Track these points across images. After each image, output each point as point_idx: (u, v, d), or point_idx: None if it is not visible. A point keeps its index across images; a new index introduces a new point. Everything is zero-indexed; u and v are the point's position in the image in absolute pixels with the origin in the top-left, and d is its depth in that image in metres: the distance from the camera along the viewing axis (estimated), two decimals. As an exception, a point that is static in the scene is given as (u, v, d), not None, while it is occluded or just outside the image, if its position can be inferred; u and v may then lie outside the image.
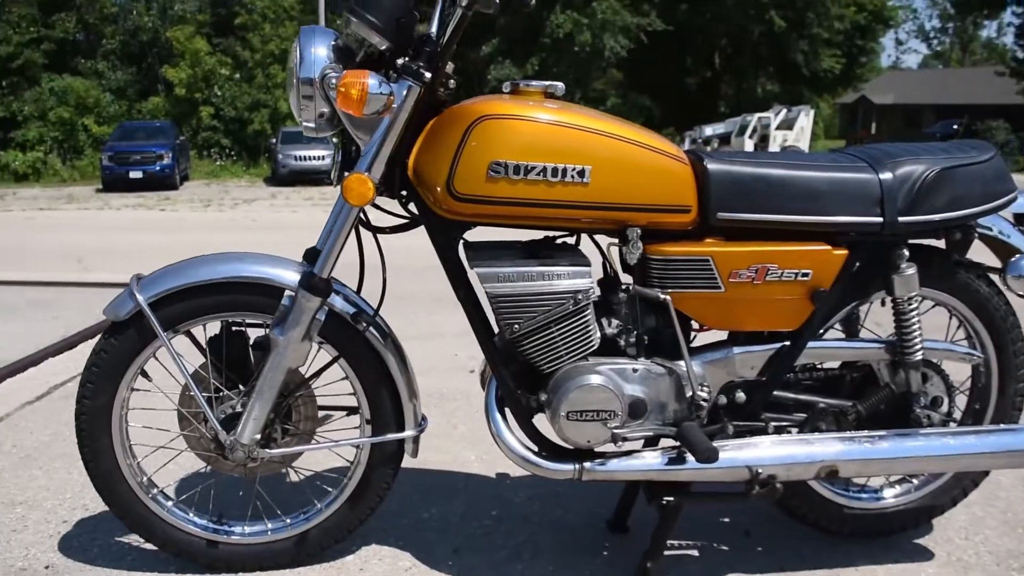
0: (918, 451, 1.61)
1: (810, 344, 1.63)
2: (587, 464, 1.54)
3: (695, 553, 1.79)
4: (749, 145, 19.51)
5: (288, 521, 1.72)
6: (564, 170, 1.43)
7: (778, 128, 19.53)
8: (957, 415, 1.79)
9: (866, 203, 1.55)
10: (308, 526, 1.70)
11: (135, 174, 15.10)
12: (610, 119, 1.52)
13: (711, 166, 1.52)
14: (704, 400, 1.55)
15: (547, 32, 21.35)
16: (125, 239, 7.76)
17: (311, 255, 1.60)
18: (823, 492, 1.75)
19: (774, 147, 19.47)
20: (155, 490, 1.69)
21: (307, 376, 1.68)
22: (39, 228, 9.16)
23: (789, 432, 1.65)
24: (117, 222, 9.94)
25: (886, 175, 1.56)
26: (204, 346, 1.65)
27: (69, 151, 17.46)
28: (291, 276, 1.54)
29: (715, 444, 1.54)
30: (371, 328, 1.59)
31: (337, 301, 1.57)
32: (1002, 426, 1.70)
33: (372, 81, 1.37)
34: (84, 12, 19.23)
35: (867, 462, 1.60)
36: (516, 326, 1.50)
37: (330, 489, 1.72)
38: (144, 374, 1.62)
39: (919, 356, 1.64)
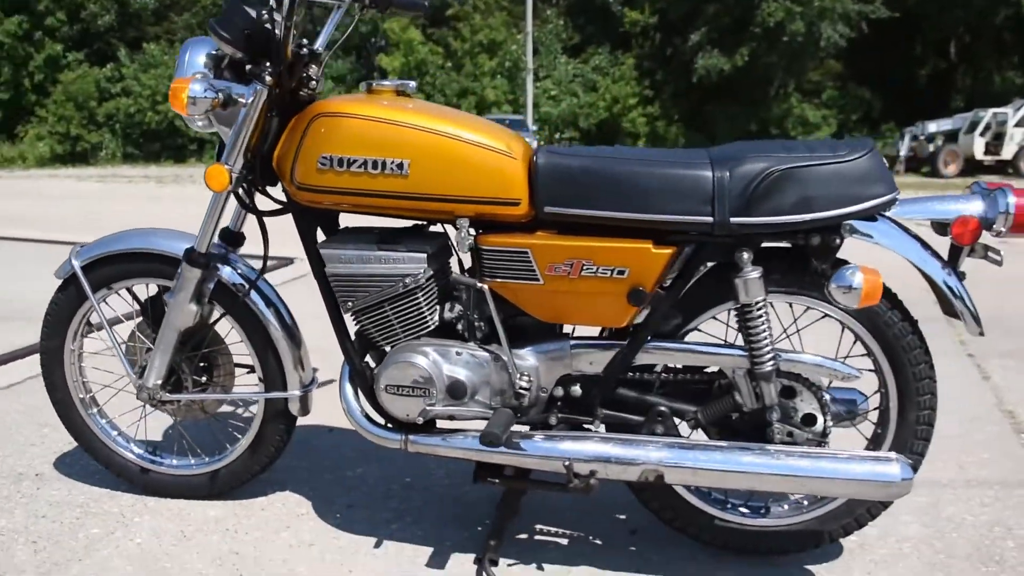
0: (754, 467, 1.54)
1: (655, 344, 1.62)
2: (411, 436, 1.66)
3: (563, 541, 1.84)
4: (980, 144, 17.61)
5: (205, 459, 1.98)
6: (384, 163, 1.55)
7: (1017, 125, 17.46)
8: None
9: (696, 202, 1.51)
10: (218, 466, 1.95)
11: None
12: (442, 116, 1.61)
13: (540, 160, 1.57)
14: (524, 389, 1.60)
15: (757, 21, 20.49)
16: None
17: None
18: (692, 500, 1.72)
19: (1011, 146, 17.47)
20: (103, 420, 2.01)
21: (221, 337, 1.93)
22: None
23: (623, 431, 1.65)
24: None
25: (722, 173, 1.51)
26: (143, 305, 1.94)
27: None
28: (181, 250, 1.78)
29: (538, 434, 1.59)
30: (254, 295, 1.79)
31: (225, 271, 1.80)
32: (867, 452, 1.57)
33: (195, 86, 1.59)
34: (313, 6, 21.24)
35: (696, 471, 1.56)
36: (350, 303, 1.65)
37: (238, 436, 1.95)
38: (89, 324, 1.94)
39: (769, 367, 1.57)
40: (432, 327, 1.65)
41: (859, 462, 1.53)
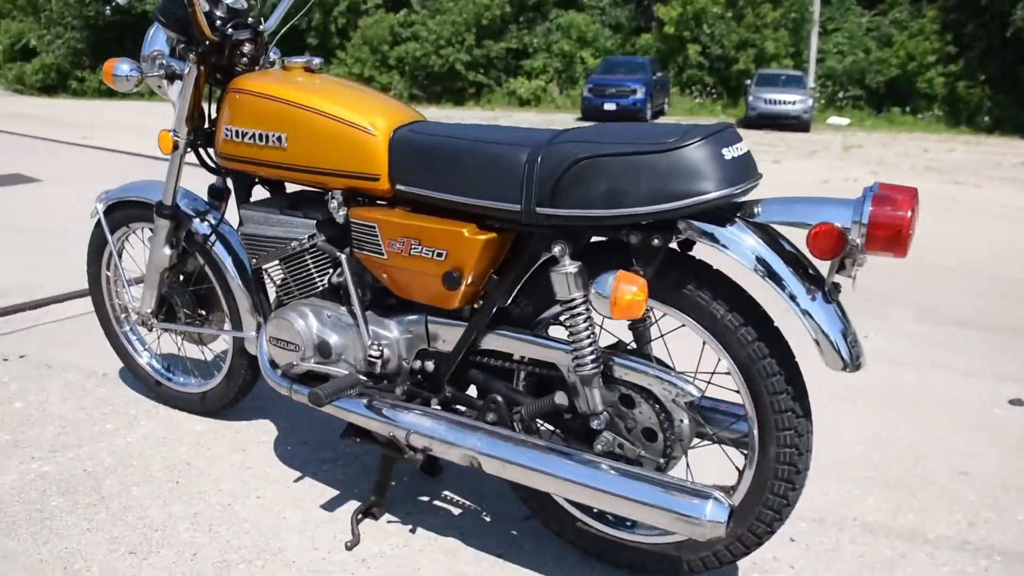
0: (559, 471, 1.49)
1: (496, 331, 1.60)
2: (294, 386, 1.80)
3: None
4: None
5: (198, 382, 2.30)
6: (266, 136, 1.70)
7: None
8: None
9: (506, 188, 1.46)
10: (205, 389, 2.27)
11: (609, 106, 16.46)
12: (323, 92, 1.71)
13: (394, 137, 1.62)
14: (375, 357, 1.68)
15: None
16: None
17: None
18: (557, 497, 1.69)
19: None
20: (133, 336, 2.41)
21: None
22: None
23: (464, 412, 1.66)
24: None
25: (534, 159, 1.44)
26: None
27: (566, 81, 19.75)
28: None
29: (386, 402, 1.67)
30: (217, 244, 2.03)
31: (195, 222, 2.06)
32: (690, 483, 1.43)
33: (122, 66, 1.83)
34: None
35: (504, 464, 1.54)
36: (254, 260, 1.83)
37: (222, 364, 2.24)
38: (119, 255, 2.31)
39: (590, 370, 1.48)
40: (320, 289, 1.78)
41: (673, 491, 1.41)
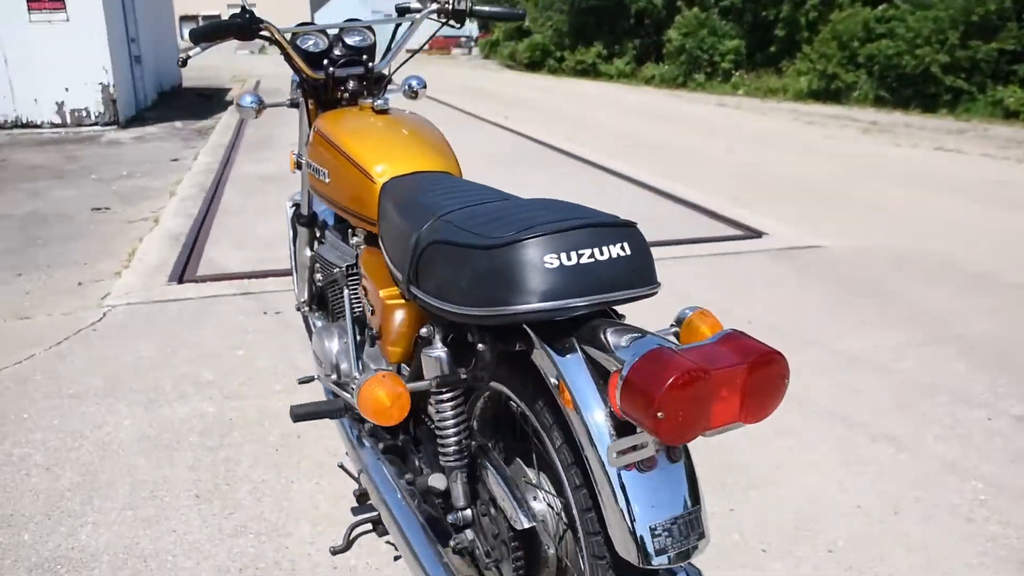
0: (404, 546, 1.61)
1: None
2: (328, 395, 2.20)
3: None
4: None
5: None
6: (319, 170, 1.98)
7: None
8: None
9: (405, 259, 1.49)
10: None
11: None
12: (359, 133, 1.88)
13: (384, 186, 1.72)
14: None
15: None
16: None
17: None
18: None
19: None
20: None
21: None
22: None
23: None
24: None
25: (420, 234, 1.43)
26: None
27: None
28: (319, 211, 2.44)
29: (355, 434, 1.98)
30: None
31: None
32: None
33: (247, 97, 2.23)
34: None
35: (388, 522, 1.71)
36: (318, 276, 2.30)
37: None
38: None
39: (451, 462, 1.50)
40: (357, 314, 1.93)
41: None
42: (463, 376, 1.42)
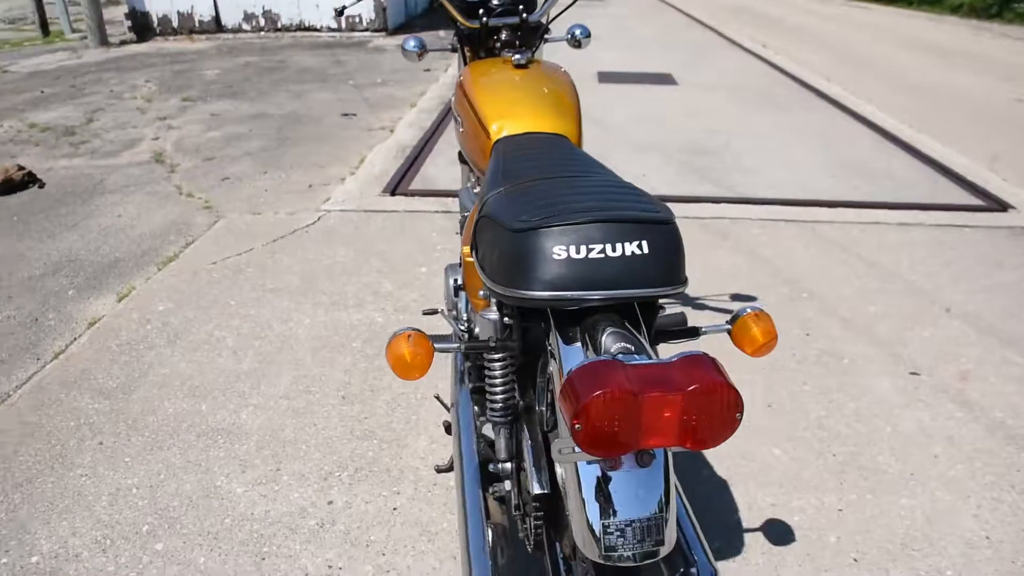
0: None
1: None
2: None
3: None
4: None
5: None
6: (458, 119, 2.09)
7: None
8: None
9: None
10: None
11: None
12: (490, 86, 1.94)
13: (494, 145, 1.77)
14: None
15: None
16: None
17: None
18: None
19: None
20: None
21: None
22: None
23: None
24: None
25: (483, 199, 1.49)
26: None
27: None
28: None
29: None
30: None
31: None
32: None
33: (410, 40, 2.36)
34: None
35: None
36: (457, 229, 2.40)
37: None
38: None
39: (495, 417, 1.57)
40: None
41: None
42: (492, 344, 1.48)
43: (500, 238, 1.30)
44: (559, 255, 1.20)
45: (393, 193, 4.76)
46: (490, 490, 1.66)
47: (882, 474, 2.31)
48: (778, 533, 2.07)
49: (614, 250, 1.20)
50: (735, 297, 3.28)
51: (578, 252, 1.20)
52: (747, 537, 2.05)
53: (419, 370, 1.38)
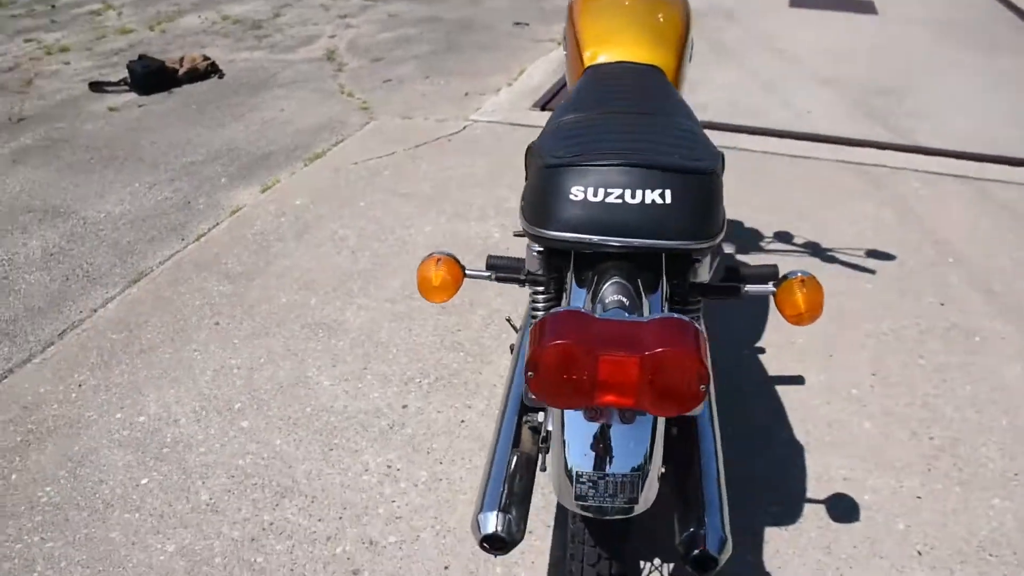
0: None
1: None
2: None
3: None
4: None
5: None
6: (563, 42, 2.11)
7: None
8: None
9: None
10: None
11: None
12: (602, 14, 1.90)
13: (585, 72, 1.76)
14: None
15: None
16: None
17: None
18: None
19: None
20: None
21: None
22: None
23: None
24: None
25: None
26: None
27: None
28: None
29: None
30: None
31: None
32: None
33: None
34: None
35: None
36: None
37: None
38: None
39: None
40: None
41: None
42: (522, 277, 1.48)
43: (534, 172, 1.29)
44: (576, 196, 1.18)
45: (543, 108, 4.73)
46: (524, 419, 1.69)
47: (980, 468, 2.11)
48: (842, 509, 1.96)
49: (633, 196, 1.16)
50: (870, 253, 3.04)
51: (595, 195, 1.18)
52: (807, 508, 1.96)
53: (443, 292, 1.41)
